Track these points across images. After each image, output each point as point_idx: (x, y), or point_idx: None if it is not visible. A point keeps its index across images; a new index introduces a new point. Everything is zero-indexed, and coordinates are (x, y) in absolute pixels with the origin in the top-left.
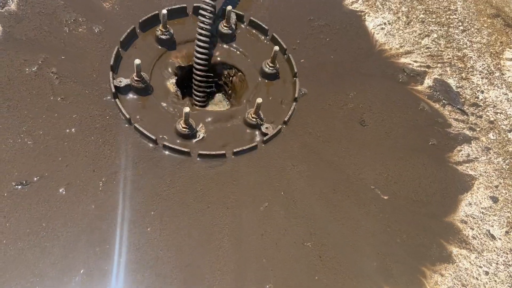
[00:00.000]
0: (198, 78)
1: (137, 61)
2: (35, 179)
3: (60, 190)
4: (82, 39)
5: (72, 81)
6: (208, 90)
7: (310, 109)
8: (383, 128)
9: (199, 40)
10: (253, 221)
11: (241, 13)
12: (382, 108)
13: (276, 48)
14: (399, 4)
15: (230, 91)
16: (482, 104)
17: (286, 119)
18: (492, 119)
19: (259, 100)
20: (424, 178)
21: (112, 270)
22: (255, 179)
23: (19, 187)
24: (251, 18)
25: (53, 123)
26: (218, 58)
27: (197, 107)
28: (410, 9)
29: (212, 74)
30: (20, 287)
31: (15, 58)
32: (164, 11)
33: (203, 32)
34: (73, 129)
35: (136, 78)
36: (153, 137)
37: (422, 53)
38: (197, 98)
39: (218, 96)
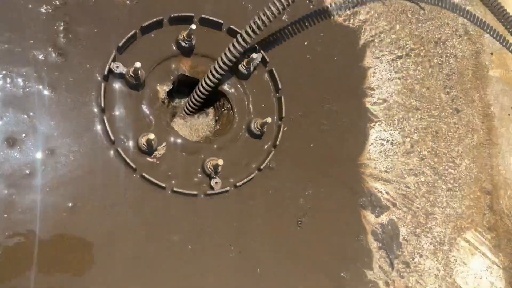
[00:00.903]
0: (201, 94)
1: (138, 64)
2: None
3: None
4: (112, 5)
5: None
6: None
7: (264, 187)
8: (315, 236)
9: (223, 62)
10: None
11: (266, 58)
12: (326, 217)
13: (269, 119)
14: (414, 130)
15: (217, 115)
16: (411, 267)
17: (238, 183)
18: (410, 285)
19: (220, 161)
20: None
21: None
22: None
23: None
24: (273, 69)
25: None
26: (224, 87)
27: (188, 113)
28: (420, 140)
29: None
30: None
31: None
32: (193, 27)
33: (229, 56)
34: (50, 91)
35: (131, 74)
36: (112, 138)
37: (398, 189)
38: (190, 108)
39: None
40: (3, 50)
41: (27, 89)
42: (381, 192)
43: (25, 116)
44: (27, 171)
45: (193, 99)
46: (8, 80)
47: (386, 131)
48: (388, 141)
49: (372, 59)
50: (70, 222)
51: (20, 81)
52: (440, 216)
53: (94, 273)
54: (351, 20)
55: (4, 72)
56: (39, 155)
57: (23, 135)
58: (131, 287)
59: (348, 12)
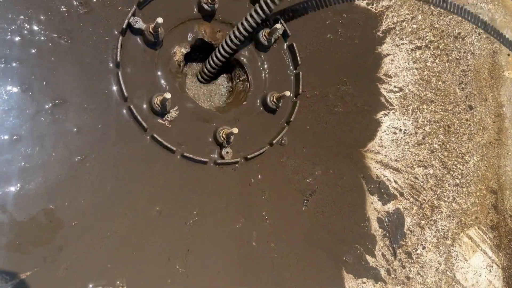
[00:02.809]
0: (218, 61)
1: (160, 20)
2: None
3: None
4: None
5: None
6: (217, 73)
7: (274, 163)
8: (320, 217)
9: (242, 30)
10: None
11: (288, 31)
12: (333, 199)
13: (287, 93)
14: (427, 122)
15: (232, 86)
16: (414, 258)
17: (249, 156)
18: (411, 276)
19: (235, 130)
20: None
21: None
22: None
23: None
24: (293, 43)
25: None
26: (241, 57)
27: (202, 81)
28: (432, 132)
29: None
30: None
31: None
32: None
33: (247, 25)
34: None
35: (151, 31)
36: (125, 94)
37: (406, 179)
38: (205, 75)
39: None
40: None
41: (44, 37)
42: (389, 180)
43: (40, 62)
44: (37, 116)
45: (208, 66)
46: (27, 25)
47: (399, 120)
48: (400, 130)
49: (392, 46)
50: (77, 174)
51: (37, 28)
52: (446, 211)
53: (95, 228)
54: (375, 5)
55: (22, 16)
56: (48, 103)
57: (35, 81)
58: (129, 247)
59: None
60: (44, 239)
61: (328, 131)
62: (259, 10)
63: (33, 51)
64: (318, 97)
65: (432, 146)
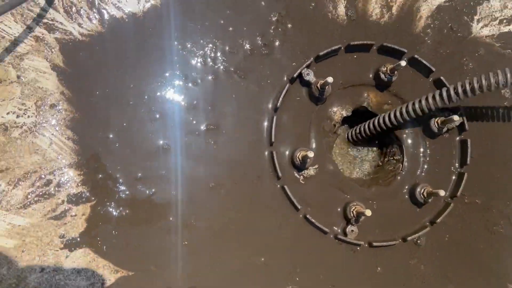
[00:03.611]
0: (374, 128)
1: (330, 79)
2: None
3: None
4: (327, 16)
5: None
6: (369, 140)
7: (399, 260)
8: None
9: (413, 108)
10: None
11: (466, 126)
12: None
13: (442, 192)
14: None
15: (381, 161)
16: None
17: (375, 243)
18: None
19: (368, 213)
20: None
21: None
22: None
23: None
24: (468, 140)
25: None
26: (403, 135)
27: (351, 140)
28: None
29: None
30: None
31: None
32: (403, 63)
33: (424, 105)
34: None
35: (318, 86)
36: (272, 139)
37: None
38: (355, 136)
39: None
40: (217, 24)
41: (222, 67)
42: None
43: (206, 87)
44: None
45: (364, 128)
46: (210, 53)
47: None
48: None
49: None
50: (209, 199)
51: (220, 59)
52: None
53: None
54: None
55: (209, 45)
56: (203, 126)
57: (194, 101)
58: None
59: None
60: None
61: (476, 249)
62: (439, 97)
63: (210, 77)
64: (478, 207)
65: None
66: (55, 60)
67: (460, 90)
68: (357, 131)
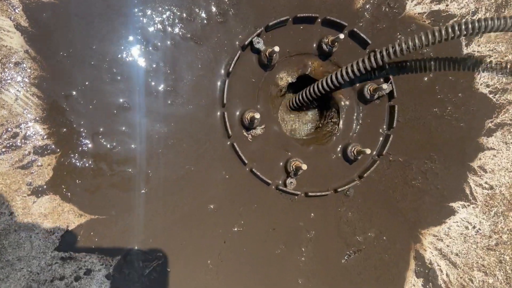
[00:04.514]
0: (313, 94)
1: (276, 48)
2: None
3: None
4: None
5: (238, 11)
6: (308, 105)
7: (331, 209)
8: (355, 277)
9: (347, 72)
10: None
11: (395, 93)
12: (374, 266)
13: (368, 151)
14: (507, 230)
15: (321, 123)
16: None
17: (309, 193)
18: None
19: (304, 167)
20: None
21: None
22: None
23: None
24: (396, 106)
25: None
26: (341, 102)
27: (291, 107)
28: (508, 243)
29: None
30: None
31: None
32: (342, 36)
33: (355, 70)
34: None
35: (267, 54)
36: (224, 101)
37: (460, 278)
38: (295, 103)
39: (315, 113)
40: None
41: (180, 33)
42: (441, 271)
43: (165, 51)
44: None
45: (302, 95)
46: (169, 20)
47: (477, 217)
48: (474, 227)
49: (500, 142)
50: (166, 153)
51: (178, 25)
52: None
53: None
54: (497, 95)
55: (167, 12)
56: (161, 87)
57: (154, 65)
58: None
59: (498, 86)
60: None
61: (395, 199)
62: (368, 60)
63: (169, 42)
64: (400, 164)
65: (502, 256)
66: (19, 19)
67: (387, 51)
68: (297, 98)
